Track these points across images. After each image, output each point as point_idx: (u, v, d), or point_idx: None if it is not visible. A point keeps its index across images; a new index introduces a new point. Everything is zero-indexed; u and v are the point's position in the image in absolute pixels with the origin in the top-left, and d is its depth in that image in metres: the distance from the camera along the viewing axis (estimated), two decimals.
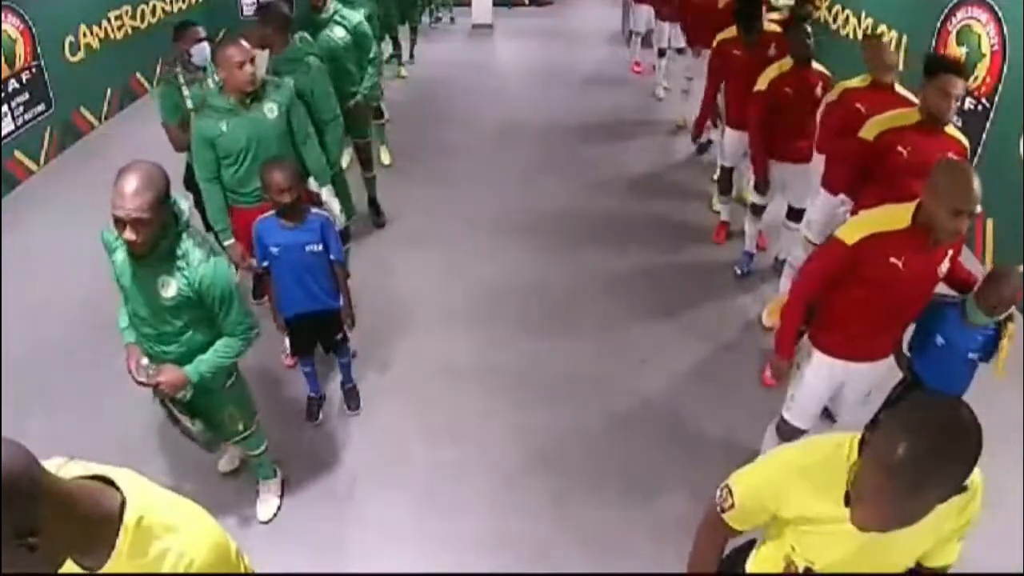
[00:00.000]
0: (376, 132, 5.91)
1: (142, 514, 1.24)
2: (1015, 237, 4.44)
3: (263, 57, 3.60)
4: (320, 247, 3.24)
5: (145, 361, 2.56)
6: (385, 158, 6.26)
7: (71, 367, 3.95)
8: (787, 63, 4.17)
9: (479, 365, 4.09)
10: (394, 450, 3.53)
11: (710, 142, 6.26)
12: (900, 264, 2.44)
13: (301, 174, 3.23)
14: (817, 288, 2.68)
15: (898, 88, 3.75)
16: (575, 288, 4.77)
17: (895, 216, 2.48)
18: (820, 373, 2.83)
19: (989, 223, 4.80)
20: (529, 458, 3.50)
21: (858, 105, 3.70)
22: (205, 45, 3.90)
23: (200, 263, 2.43)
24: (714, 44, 4.87)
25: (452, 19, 11.35)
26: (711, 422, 3.70)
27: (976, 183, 2.30)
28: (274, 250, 3.22)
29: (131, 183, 2.18)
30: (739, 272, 4.87)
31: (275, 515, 3.20)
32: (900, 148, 3.23)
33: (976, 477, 1.50)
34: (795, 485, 1.55)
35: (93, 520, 1.21)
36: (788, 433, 3.03)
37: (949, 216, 2.33)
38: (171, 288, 2.44)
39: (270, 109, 3.43)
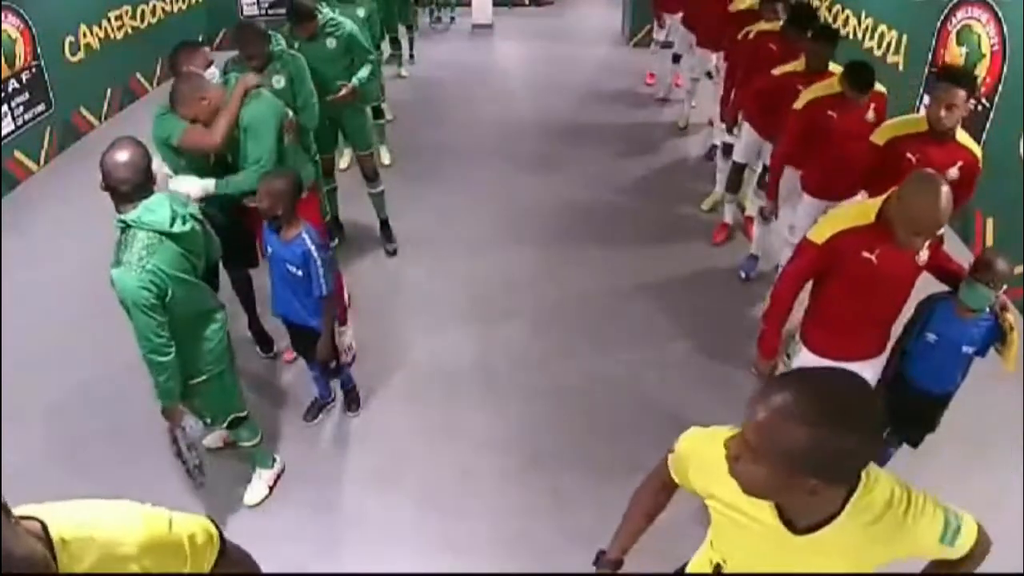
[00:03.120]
0: (376, 132, 5.91)
1: (60, 534, 1.17)
2: (1015, 237, 4.44)
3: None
4: (300, 273, 3.09)
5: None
6: (385, 158, 6.27)
7: (70, 367, 3.95)
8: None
9: (478, 365, 4.09)
10: (394, 450, 3.53)
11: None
12: (873, 258, 2.46)
13: (290, 191, 3.04)
14: (795, 290, 2.72)
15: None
16: (576, 289, 4.76)
17: (861, 212, 2.51)
18: None
19: (989, 223, 4.80)
20: (529, 458, 3.50)
21: (830, 112, 3.74)
22: (214, 70, 3.47)
23: (114, 267, 2.53)
24: (751, 35, 4.79)
25: (453, 19, 11.35)
26: (713, 423, 3.69)
27: (943, 207, 2.21)
28: (269, 249, 3.22)
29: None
30: (743, 276, 4.82)
31: (261, 502, 3.23)
32: (909, 154, 3.25)
33: (897, 489, 1.40)
34: (724, 468, 1.39)
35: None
36: None
37: (907, 233, 2.33)
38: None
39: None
